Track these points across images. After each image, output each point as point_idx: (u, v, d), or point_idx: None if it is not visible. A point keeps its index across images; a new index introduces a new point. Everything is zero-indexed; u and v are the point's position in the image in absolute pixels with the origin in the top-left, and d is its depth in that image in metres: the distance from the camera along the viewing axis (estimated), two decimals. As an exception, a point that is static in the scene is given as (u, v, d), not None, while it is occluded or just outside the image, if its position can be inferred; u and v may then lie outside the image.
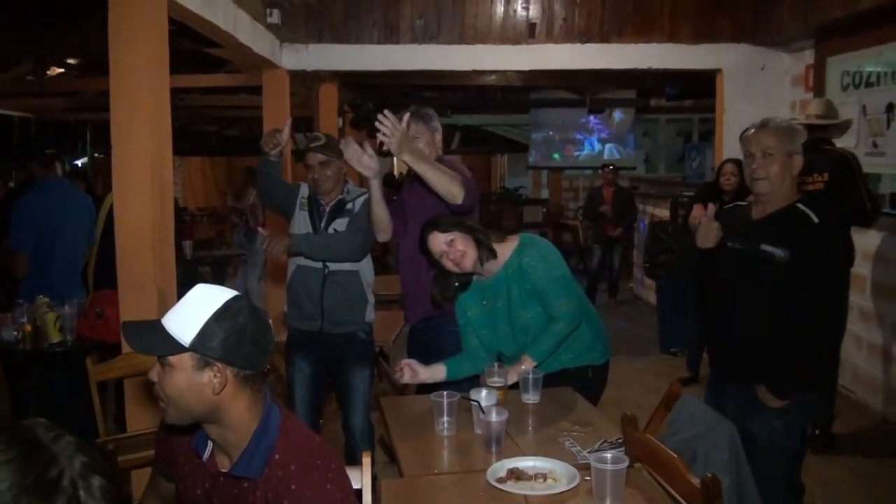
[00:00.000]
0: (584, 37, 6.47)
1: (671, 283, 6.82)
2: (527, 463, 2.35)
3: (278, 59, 6.36)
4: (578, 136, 13.41)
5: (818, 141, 4.81)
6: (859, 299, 5.71)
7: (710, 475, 2.00)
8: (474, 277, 3.25)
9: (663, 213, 8.89)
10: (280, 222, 4.22)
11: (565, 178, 15.51)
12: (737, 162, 5.90)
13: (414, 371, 3.12)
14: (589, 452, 2.52)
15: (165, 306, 3.73)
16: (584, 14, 6.48)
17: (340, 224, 3.68)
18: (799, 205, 2.81)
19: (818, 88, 6.24)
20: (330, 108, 8.99)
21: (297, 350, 3.79)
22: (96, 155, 15.89)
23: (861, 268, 5.64)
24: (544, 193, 16.16)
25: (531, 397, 2.99)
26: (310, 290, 3.68)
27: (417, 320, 3.66)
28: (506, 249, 3.17)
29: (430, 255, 3.13)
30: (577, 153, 13.45)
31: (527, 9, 6.49)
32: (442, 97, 12.98)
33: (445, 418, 2.71)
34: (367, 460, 2.32)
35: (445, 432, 2.72)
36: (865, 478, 4.52)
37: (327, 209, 3.71)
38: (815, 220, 2.74)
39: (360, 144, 3.33)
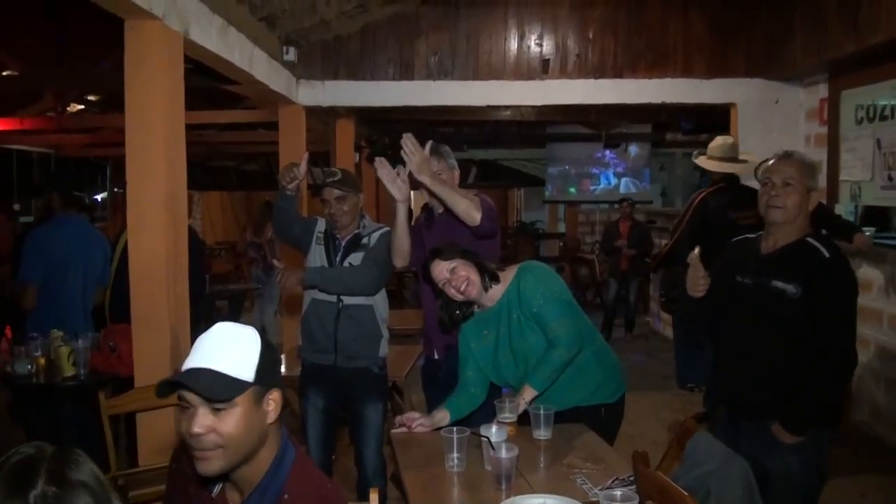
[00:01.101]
0: (598, 72, 6.51)
1: (687, 317, 6.78)
2: (536, 500, 2.32)
3: (294, 95, 6.44)
4: (594, 171, 13.45)
5: (736, 178, 5.49)
6: (877, 333, 5.66)
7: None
8: (476, 308, 3.24)
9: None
10: (296, 256, 4.24)
11: (582, 212, 15.52)
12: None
13: (416, 423, 3.10)
14: (600, 490, 2.49)
15: (178, 340, 3.79)
16: (598, 50, 6.53)
17: (356, 258, 3.70)
18: (808, 239, 2.80)
19: (832, 122, 6.24)
20: (346, 143, 9.07)
21: (311, 384, 3.79)
22: (115, 190, 16.09)
23: (878, 302, 5.61)
24: (561, 227, 16.15)
25: (543, 433, 2.96)
26: (324, 323, 3.68)
27: (441, 348, 3.66)
28: (506, 277, 3.18)
29: (433, 283, 3.14)
30: (593, 187, 13.48)
31: (540, 45, 6.55)
32: (458, 132, 13.08)
33: (455, 454, 2.70)
34: (374, 496, 2.31)
35: (455, 468, 2.70)
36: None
37: (343, 243, 3.73)
38: (826, 254, 2.73)
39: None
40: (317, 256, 3.76)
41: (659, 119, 11.08)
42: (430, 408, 3.77)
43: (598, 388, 3.22)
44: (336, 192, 3.65)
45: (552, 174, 13.71)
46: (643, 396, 6.82)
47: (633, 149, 12.96)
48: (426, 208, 3.76)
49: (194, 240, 4.89)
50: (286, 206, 3.71)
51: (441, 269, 3.09)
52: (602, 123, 11.45)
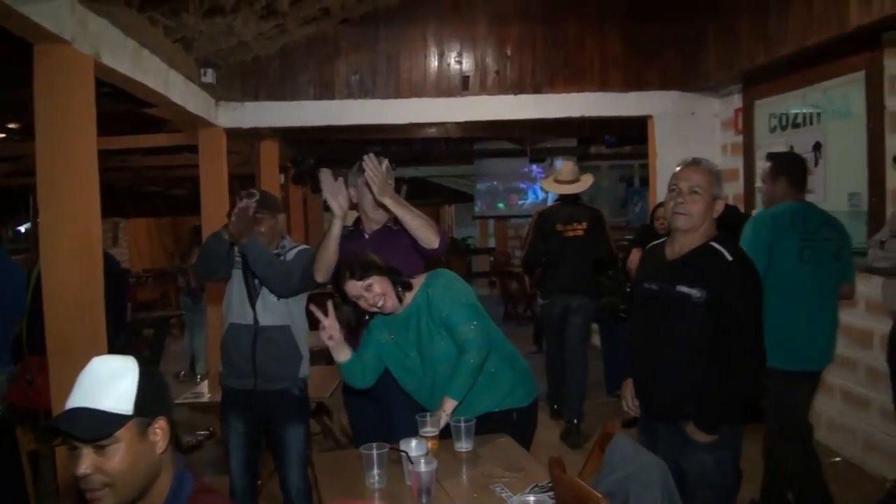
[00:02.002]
0: (518, 88, 6.61)
1: (615, 325, 6.89)
2: (455, 511, 2.35)
3: (214, 117, 6.38)
4: (522, 185, 13.59)
5: (574, 197, 6.41)
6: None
7: (630, 514, 2.02)
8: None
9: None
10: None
11: (511, 226, 15.66)
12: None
13: (334, 333, 3.10)
14: (518, 497, 2.52)
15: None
16: (516, 67, 6.63)
17: None
18: (712, 243, 2.88)
19: (747, 131, 6.43)
20: (271, 165, 9.01)
21: (231, 409, 3.75)
22: (38, 220, 15.67)
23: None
24: (491, 242, 16.28)
25: (464, 445, 2.99)
26: (241, 347, 3.65)
27: None
28: (416, 284, 3.21)
29: (344, 295, 3.13)
30: (521, 202, 13.62)
31: (460, 62, 6.62)
32: (386, 150, 13.05)
33: (375, 471, 2.70)
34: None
35: (376, 485, 2.70)
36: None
37: None
38: (729, 257, 2.81)
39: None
40: (235, 281, 3.73)
41: (583, 133, 11.25)
42: (355, 423, 3.77)
43: (510, 392, 3.25)
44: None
45: (481, 190, 13.82)
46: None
47: (559, 163, 13.10)
48: (356, 224, 3.75)
49: (112, 268, 4.79)
50: (220, 249, 3.59)
51: (356, 287, 3.08)
52: (527, 139, 11.58)
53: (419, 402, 3.30)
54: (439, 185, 16.40)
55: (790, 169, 4.14)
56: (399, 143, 12.61)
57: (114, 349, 4.89)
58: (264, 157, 8.95)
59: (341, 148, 12.30)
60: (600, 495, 2.20)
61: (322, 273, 3.53)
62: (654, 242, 3.18)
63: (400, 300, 3.15)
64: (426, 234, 3.35)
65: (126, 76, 4.38)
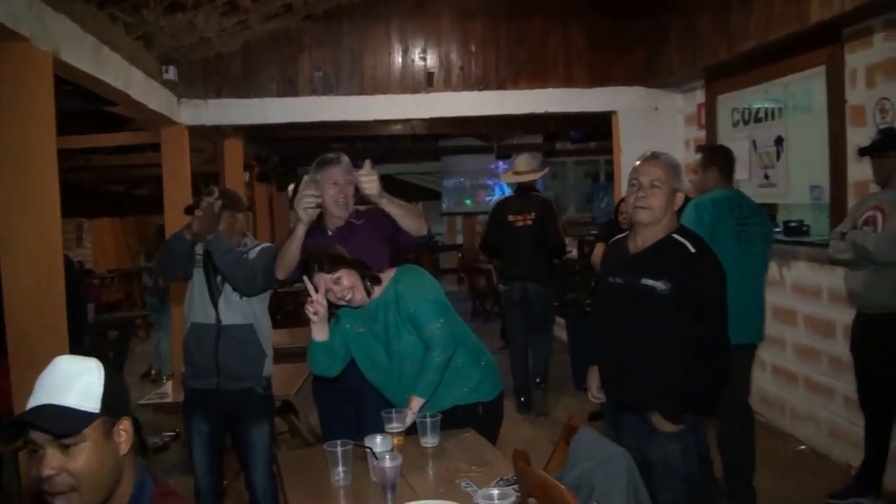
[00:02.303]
0: (482, 84, 6.61)
1: (581, 320, 6.92)
2: (420, 507, 2.34)
3: (176, 115, 6.31)
4: (488, 182, 13.62)
5: (527, 188, 6.71)
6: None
7: (595, 503, 2.03)
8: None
9: (572, 252, 9.03)
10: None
11: (479, 223, 15.67)
12: (634, 200, 6.09)
13: (320, 309, 3.10)
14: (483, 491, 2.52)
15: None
16: (480, 63, 6.64)
17: None
18: (674, 235, 2.90)
19: (710, 126, 6.49)
20: (235, 163, 8.94)
21: (195, 410, 3.71)
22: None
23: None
24: (459, 239, 16.29)
25: (430, 441, 2.98)
26: (204, 346, 3.61)
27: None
28: (385, 278, 3.20)
29: (314, 287, 3.11)
30: (488, 198, 13.64)
31: (424, 59, 6.61)
32: (352, 148, 13.02)
33: (340, 468, 2.69)
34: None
35: (341, 482, 2.69)
36: (774, 497, 4.61)
37: None
38: (692, 249, 2.84)
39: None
40: (196, 280, 3.68)
41: (549, 129, 11.28)
42: (325, 422, 3.75)
43: (476, 387, 3.26)
44: None
45: (448, 187, 13.83)
46: (540, 399, 6.94)
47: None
48: (318, 221, 3.73)
49: (70, 269, 4.72)
50: (182, 250, 3.57)
51: (325, 280, 3.07)
52: (493, 135, 11.59)
53: (386, 397, 3.30)
54: (406, 182, 16.37)
55: (721, 160, 4.49)
56: (365, 141, 12.57)
57: (77, 352, 4.82)
58: (228, 155, 8.88)
59: (306, 146, 12.25)
60: (564, 487, 2.20)
61: (283, 271, 3.52)
62: (617, 237, 3.20)
63: (368, 294, 3.14)
64: (416, 224, 3.43)
65: (86, 73, 4.33)
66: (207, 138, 8.71)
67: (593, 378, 3.20)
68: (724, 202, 4.24)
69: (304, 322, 3.30)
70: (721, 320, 2.84)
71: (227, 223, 3.60)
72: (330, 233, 3.61)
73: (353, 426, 3.40)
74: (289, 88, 6.48)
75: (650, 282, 2.83)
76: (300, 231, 3.43)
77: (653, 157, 3.01)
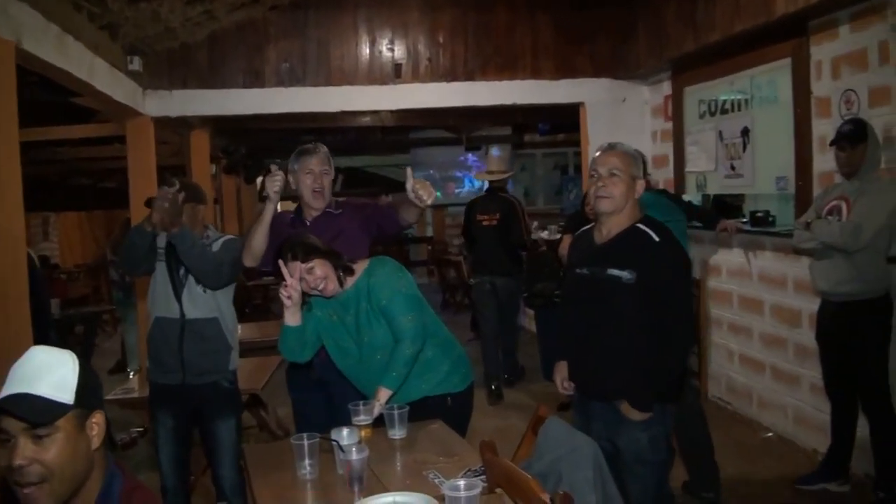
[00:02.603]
0: (450, 76, 6.59)
1: (550, 311, 6.94)
2: (386, 499, 2.32)
3: (141, 106, 6.23)
4: (458, 174, 13.60)
5: (497, 188, 7.26)
6: (728, 314, 5.95)
7: (561, 493, 2.03)
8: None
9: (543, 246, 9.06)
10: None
11: (448, 215, 15.65)
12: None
13: (294, 294, 3.08)
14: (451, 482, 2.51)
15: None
16: (448, 54, 6.61)
17: None
18: (639, 225, 2.91)
19: (676, 117, 6.52)
20: (202, 155, 8.84)
21: (160, 405, 3.66)
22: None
23: (729, 284, 5.89)
24: (429, 231, 16.26)
25: (397, 432, 2.97)
26: (168, 341, 3.56)
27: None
28: (358, 269, 3.20)
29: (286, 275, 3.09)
30: (457, 190, 13.65)
31: (392, 50, 6.57)
32: (321, 140, 12.88)
33: (307, 461, 2.67)
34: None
35: (308, 476, 2.67)
36: (742, 483, 4.66)
37: None
38: (656, 238, 2.85)
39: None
40: (159, 274, 3.62)
41: (517, 121, 11.29)
42: (299, 413, 3.72)
43: (445, 378, 3.27)
44: None
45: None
46: (511, 391, 6.99)
47: (495, 151, 13.15)
48: (297, 212, 3.71)
49: (30, 265, 4.65)
50: (143, 242, 3.50)
51: (298, 269, 3.06)
52: (462, 127, 11.58)
53: (356, 387, 3.29)
54: (376, 174, 16.32)
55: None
56: (334, 133, 12.50)
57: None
58: (195, 147, 8.78)
59: (275, 138, 12.15)
60: (531, 477, 2.20)
61: (250, 258, 3.51)
62: (583, 228, 3.20)
63: (341, 284, 3.14)
64: (415, 215, 3.53)
65: (49, 63, 4.25)
66: (174, 130, 8.62)
67: (560, 372, 3.21)
68: (660, 200, 4.68)
69: (273, 316, 3.30)
70: (685, 309, 2.88)
71: (190, 215, 3.55)
72: (308, 223, 3.61)
73: (325, 417, 3.41)
74: (255, 79, 6.42)
75: (615, 272, 2.85)
76: (267, 214, 3.42)
77: (610, 148, 3.04)
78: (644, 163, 5.82)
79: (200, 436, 3.77)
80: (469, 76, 6.61)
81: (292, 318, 3.15)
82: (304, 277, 3.06)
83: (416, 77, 6.58)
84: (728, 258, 5.92)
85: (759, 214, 5.52)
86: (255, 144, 12.25)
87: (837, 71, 4.61)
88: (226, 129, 10.04)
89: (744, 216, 6.01)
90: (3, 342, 3.54)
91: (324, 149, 3.63)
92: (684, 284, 2.88)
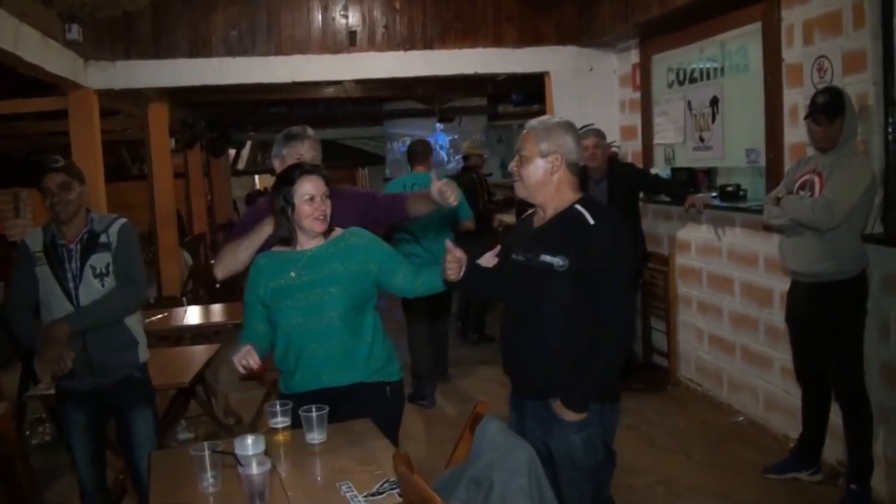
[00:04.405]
0: (408, 44, 6.28)
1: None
2: (282, 520, 2.07)
3: (83, 78, 5.89)
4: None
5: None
6: (697, 292, 5.71)
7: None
8: (282, 248, 3.02)
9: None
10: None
11: (418, 188, 15.39)
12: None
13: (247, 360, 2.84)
14: (364, 497, 2.26)
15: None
16: (406, 21, 6.29)
17: (99, 260, 3.27)
18: (577, 206, 2.64)
19: (645, 87, 6.24)
20: (160, 129, 8.58)
21: (68, 403, 3.37)
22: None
23: (698, 261, 5.66)
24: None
25: (316, 436, 2.70)
26: (73, 346, 3.26)
27: None
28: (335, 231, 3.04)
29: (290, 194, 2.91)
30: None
31: (346, 17, 6.24)
32: (291, 112, 12.65)
33: (209, 473, 2.40)
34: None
35: (210, 489, 2.40)
36: (710, 470, 4.49)
37: (76, 247, 3.27)
38: (591, 221, 2.57)
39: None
40: (45, 281, 3.26)
41: (489, 91, 11.00)
42: None
43: (385, 366, 3.06)
44: (60, 177, 3.21)
45: (391, 151, 13.48)
46: (472, 372, 6.73)
47: (467, 122, 12.88)
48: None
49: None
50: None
51: (319, 187, 2.90)
52: (435, 98, 11.27)
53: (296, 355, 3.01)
54: (352, 147, 16.00)
55: None
56: (304, 105, 12.20)
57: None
58: (153, 120, 8.53)
59: (240, 109, 11.83)
60: (439, 501, 1.94)
61: (225, 270, 3.23)
62: (528, 212, 2.93)
63: (325, 236, 2.99)
64: (428, 210, 3.32)
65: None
66: (135, 103, 8.30)
67: None
68: None
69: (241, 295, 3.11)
70: (620, 298, 2.58)
71: (77, 193, 3.25)
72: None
73: None
74: (202, 49, 6.08)
75: (548, 258, 2.58)
76: (261, 236, 3.15)
77: (523, 130, 2.82)
78: (601, 135, 5.65)
79: (116, 431, 3.49)
80: (428, 44, 6.29)
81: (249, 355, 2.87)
82: (315, 197, 2.89)
83: (373, 45, 6.26)
84: (697, 234, 5.67)
85: (730, 188, 5.25)
86: (219, 117, 11.93)
87: (810, 36, 4.31)
88: (187, 101, 9.71)
89: (714, 190, 5.75)
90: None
91: (311, 132, 3.40)
92: (620, 272, 2.58)
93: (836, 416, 4.07)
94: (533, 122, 2.79)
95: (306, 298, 2.93)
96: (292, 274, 2.96)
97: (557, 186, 2.68)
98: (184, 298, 7.01)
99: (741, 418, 5.20)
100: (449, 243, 2.79)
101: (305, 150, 3.32)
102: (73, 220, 3.27)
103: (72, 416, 3.36)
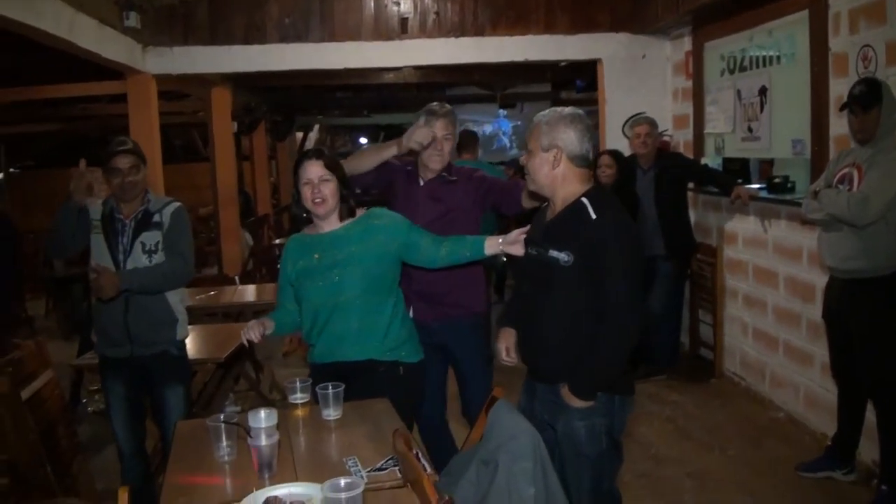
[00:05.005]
0: (458, 31, 6.33)
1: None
2: (283, 490, 2.16)
3: (141, 63, 6.10)
4: (492, 131, 13.33)
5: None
6: (744, 285, 5.64)
7: (446, 498, 1.84)
8: (305, 231, 3.19)
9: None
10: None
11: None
12: (612, 153, 5.82)
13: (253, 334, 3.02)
14: (367, 472, 2.35)
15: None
16: (457, 8, 6.34)
17: (150, 237, 3.44)
18: (582, 198, 2.65)
19: (697, 75, 6.17)
20: (223, 112, 8.77)
21: (109, 374, 3.56)
22: (11, 170, 15.42)
23: (744, 254, 5.59)
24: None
25: (331, 413, 2.80)
26: (113, 316, 3.43)
27: (421, 320, 3.48)
28: (357, 213, 3.16)
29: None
30: (493, 147, 13.38)
31: (398, 4, 6.32)
32: (357, 97, 12.81)
33: (224, 443, 2.51)
34: (123, 495, 2.13)
35: (226, 458, 2.52)
36: (743, 465, 4.46)
37: (130, 223, 3.46)
38: (593, 215, 2.59)
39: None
40: (96, 247, 3.46)
41: (553, 78, 10.97)
42: None
43: (400, 345, 3.15)
44: (129, 159, 3.40)
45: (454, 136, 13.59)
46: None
47: (528, 109, 12.86)
48: (415, 165, 3.61)
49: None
50: (71, 219, 3.40)
51: (315, 172, 3.02)
52: (496, 84, 11.28)
53: (311, 340, 3.18)
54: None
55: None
56: (369, 90, 12.33)
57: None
58: (216, 104, 8.72)
59: (305, 94, 12.01)
60: (427, 476, 2.01)
61: (347, 167, 3.37)
62: (543, 204, 2.95)
63: (340, 217, 3.10)
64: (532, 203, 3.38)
65: (17, 21, 4.10)
66: (201, 87, 8.52)
67: (505, 339, 2.99)
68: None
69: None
70: (625, 291, 2.58)
71: (142, 176, 3.46)
72: (422, 182, 3.56)
73: (443, 377, 3.67)
74: (256, 35, 6.24)
75: (555, 253, 2.61)
76: (390, 151, 3.42)
77: (532, 123, 2.82)
78: (653, 123, 5.62)
79: (150, 404, 3.66)
80: (479, 31, 6.33)
81: (269, 327, 3.08)
82: (312, 182, 3.01)
83: (424, 32, 6.32)
84: (745, 226, 5.60)
85: (777, 180, 5.17)
86: (283, 101, 12.13)
87: (855, 24, 4.22)
88: (250, 86, 9.92)
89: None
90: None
91: (447, 111, 3.53)
92: (623, 263, 2.58)
93: (872, 414, 4.00)
94: (539, 115, 2.81)
95: (327, 279, 3.04)
96: (315, 256, 3.09)
97: (562, 180, 2.70)
98: (236, 277, 7.18)
99: (781, 414, 5.14)
100: None
101: (439, 128, 3.44)
102: (134, 199, 3.45)
103: (111, 386, 3.54)
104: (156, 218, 3.48)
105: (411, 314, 3.46)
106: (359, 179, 3.47)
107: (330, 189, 3.03)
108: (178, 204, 3.56)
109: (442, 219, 3.46)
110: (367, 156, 3.51)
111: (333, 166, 3.07)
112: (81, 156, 3.50)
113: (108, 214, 3.47)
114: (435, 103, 3.55)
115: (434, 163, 3.50)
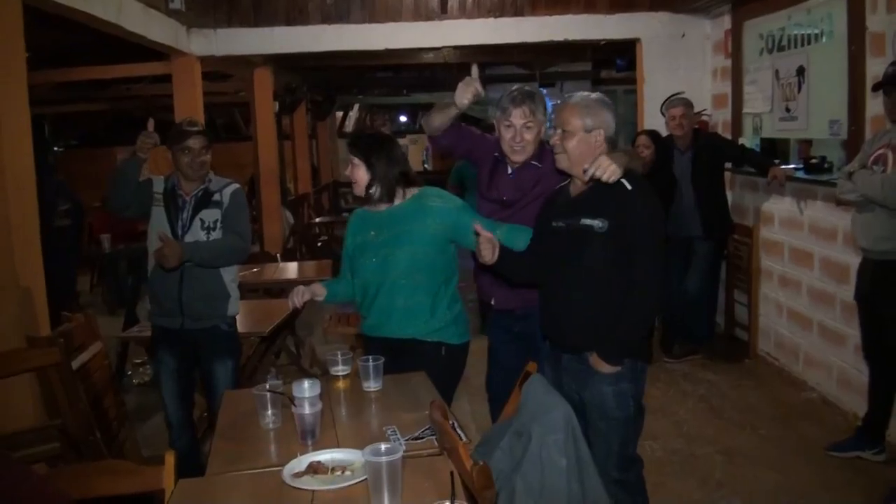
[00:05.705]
0: (498, 11, 6.38)
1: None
2: (325, 456, 2.29)
3: (185, 45, 6.24)
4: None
5: None
6: (779, 266, 5.66)
7: (480, 463, 1.94)
8: (366, 207, 3.32)
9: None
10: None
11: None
12: (650, 133, 5.84)
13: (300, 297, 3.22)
14: (406, 440, 2.46)
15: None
16: (497, -12, 6.38)
17: (209, 215, 3.59)
18: None
19: (736, 54, 6.16)
20: (265, 93, 8.90)
21: (161, 345, 3.73)
22: (56, 149, 15.73)
23: (780, 234, 5.61)
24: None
25: (372, 385, 2.92)
26: (168, 287, 3.59)
27: (504, 308, 3.53)
28: (407, 194, 3.25)
29: None
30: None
31: (438, -16, 6.38)
32: (396, 77, 12.87)
33: (269, 411, 2.65)
34: (170, 459, 2.26)
35: (271, 425, 2.65)
36: (774, 444, 4.50)
37: (190, 200, 3.60)
38: (629, 187, 2.71)
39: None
40: (156, 219, 3.62)
41: (592, 57, 10.94)
42: (494, 355, 3.69)
43: (446, 326, 3.24)
44: (201, 140, 3.55)
45: (492, 115, 13.56)
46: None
47: (569, 88, 12.81)
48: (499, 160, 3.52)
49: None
50: (134, 174, 3.53)
51: (353, 155, 3.19)
52: (535, 63, 11.28)
53: (364, 313, 3.33)
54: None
55: None
56: (409, 70, 12.39)
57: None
58: (258, 84, 8.85)
59: (345, 74, 12.09)
60: (462, 443, 2.12)
61: (425, 125, 3.56)
62: (560, 185, 3.04)
63: (371, 198, 3.20)
64: None
65: (64, 5, 4.24)
66: (246, 67, 8.66)
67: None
68: None
69: (334, 256, 3.39)
70: (653, 261, 2.74)
71: (210, 157, 3.61)
72: (510, 170, 3.44)
73: (518, 363, 3.29)
74: (298, 17, 6.35)
75: (588, 221, 2.74)
76: (451, 112, 3.37)
77: (563, 103, 2.92)
78: (689, 105, 5.63)
79: (200, 377, 3.81)
80: (518, 11, 6.37)
81: (319, 293, 3.29)
82: (353, 163, 3.19)
83: (463, 13, 6.39)
84: (781, 206, 5.61)
85: (814, 160, 5.18)
86: (323, 81, 12.23)
87: (893, 3, 4.20)
88: (291, 66, 10.03)
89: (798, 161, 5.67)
90: (14, 282, 3.64)
91: (527, 95, 3.35)
92: (654, 236, 2.74)
93: (902, 395, 4.04)
94: (574, 97, 2.90)
95: (379, 255, 3.18)
96: (372, 233, 3.23)
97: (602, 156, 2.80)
98: (277, 255, 7.34)
99: (813, 395, 5.17)
100: (478, 226, 2.92)
101: (517, 117, 3.29)
102: (199, 178, 3.60)
103: (163, 357, 3.71)
104: (216, 197, 3.62)
105: (493, 303, 3.54)
106: (435, 141, 3.52)
107: (358, 175, 3.19)
108: (237, 185, 3.72)
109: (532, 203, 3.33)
110: (435, 116, 3.45)
111: (363, 150, 3.18)
112: (124, 136, 3.65)
113: (171, 190, 3.62)
114: (515, 87, 3.40)
115: (516, 155, 3.35)
